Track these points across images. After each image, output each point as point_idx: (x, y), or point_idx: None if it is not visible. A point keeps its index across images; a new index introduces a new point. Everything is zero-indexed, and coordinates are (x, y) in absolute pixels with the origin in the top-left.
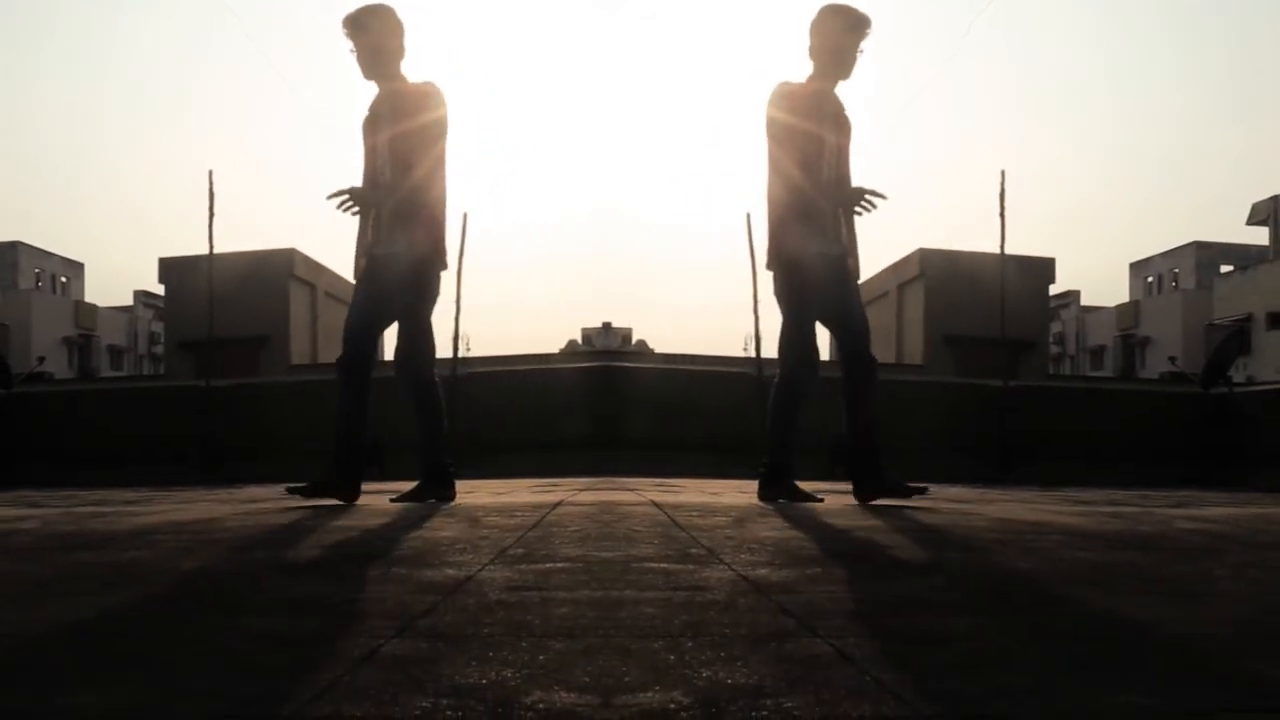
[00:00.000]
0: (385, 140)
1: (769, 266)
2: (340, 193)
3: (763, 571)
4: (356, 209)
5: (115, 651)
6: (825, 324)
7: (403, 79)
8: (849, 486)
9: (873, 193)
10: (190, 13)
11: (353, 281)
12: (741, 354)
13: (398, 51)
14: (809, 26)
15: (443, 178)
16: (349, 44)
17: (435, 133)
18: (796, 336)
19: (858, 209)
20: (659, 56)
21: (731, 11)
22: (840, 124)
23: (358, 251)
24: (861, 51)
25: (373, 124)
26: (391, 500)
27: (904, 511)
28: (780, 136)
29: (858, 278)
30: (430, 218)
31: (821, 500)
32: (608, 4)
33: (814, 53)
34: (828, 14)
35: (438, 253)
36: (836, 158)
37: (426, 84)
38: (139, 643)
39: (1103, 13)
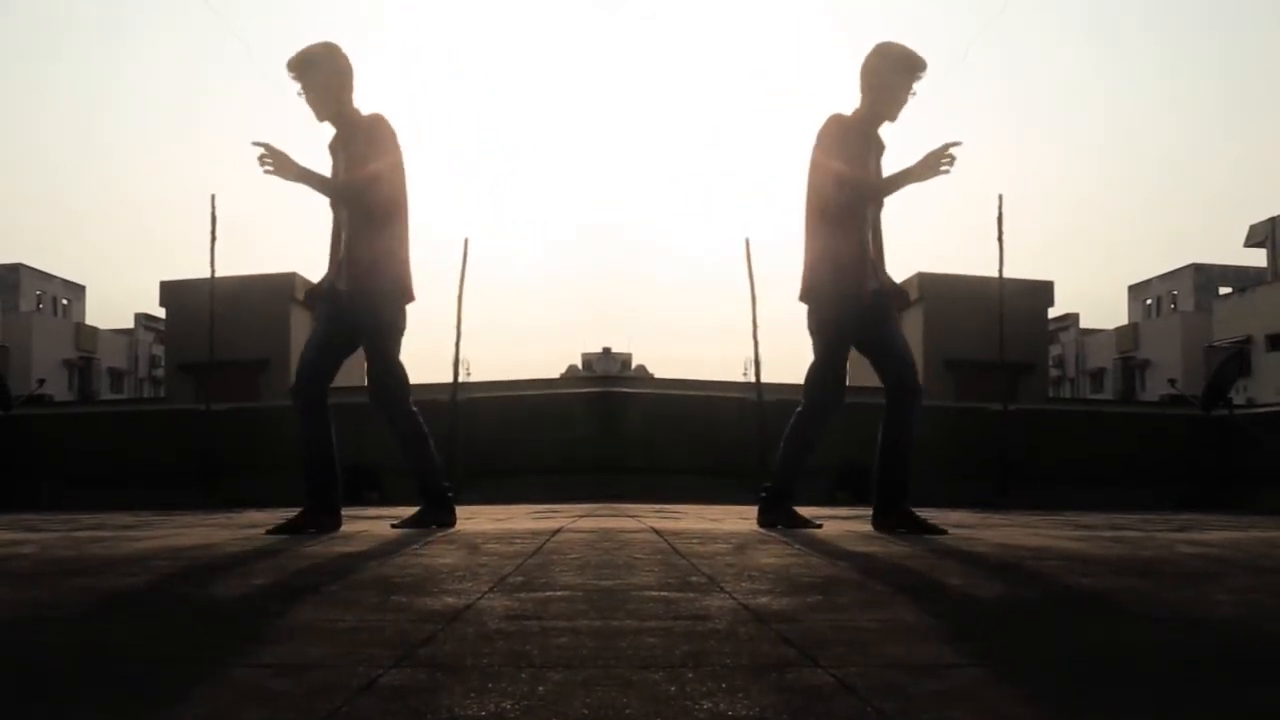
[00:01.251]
0: (336, 180)
1: (803, 299)
2: (266, 147)
3: (764, 600)
4: (273, 170)
5: (114, 677)
6: (869, 357)
7: (354, 114)
8: (849, 512)
9: (943, 150)
10: (194, 37)
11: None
12: (742, 379)
13: (347, 89)
14: (861, 63)
15: (402, 213)
16: (297, 87)
17: (390, 172)
18: (823, 372)
19: (942, 169)
20: (661, 61)
21: (733, 15)
22: (880, 165)
23: (323, 278)
24: (913, 94)
25: (331, 162)
26: (392, 526)
27: (905, 537)
28: (825, 173)
29: (905, 303)
30: (391, 255)
31: (820, 526)
32: (608, 4)
33: (864, 90)
34: (880, 52)
35: (401, 290)
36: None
37: (375, 118)
38: (138, 669)
39: (1098, 35)
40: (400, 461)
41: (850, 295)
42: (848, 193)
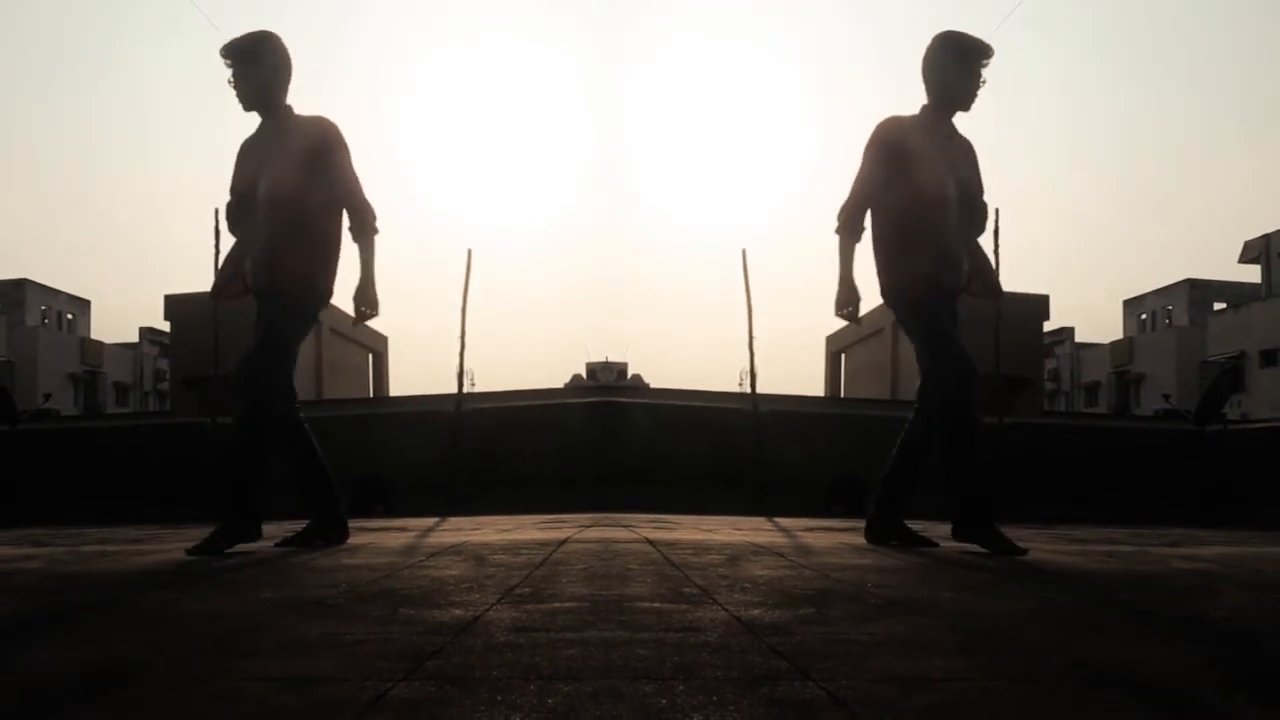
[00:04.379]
0: (272, 176)
1: (890, 302)
2: (366, 311)
3: (756, 612)
4: (371, 312)
5: (123, 695)
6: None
7: (289, 110)
8: (841, 524)
9: (852, 312)
10: (196, 50)
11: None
12: (737, 389)
13: (284, 82)
14: (922, 57)
15: (334, 212)
16: (229, 74)
17: (325, 168)
18: (945, 367)
19: (844, 314)
20: (665, 72)
21: (733, 29)
22: (956, 154)
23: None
24: (984, 81)
25: (253, 152)
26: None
27: (897, 550)
28: (888, 166)
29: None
30: (311, 248)
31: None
32: (614, 23)
33: (927, 85)
34: (939, 42)
35: (325, 292)
36: (956, 190)
37: (327, 122)
38: (147, 685)
39: (1095, 51)
40: (244, 469)
41: (930, 283)
42: (843, 216)
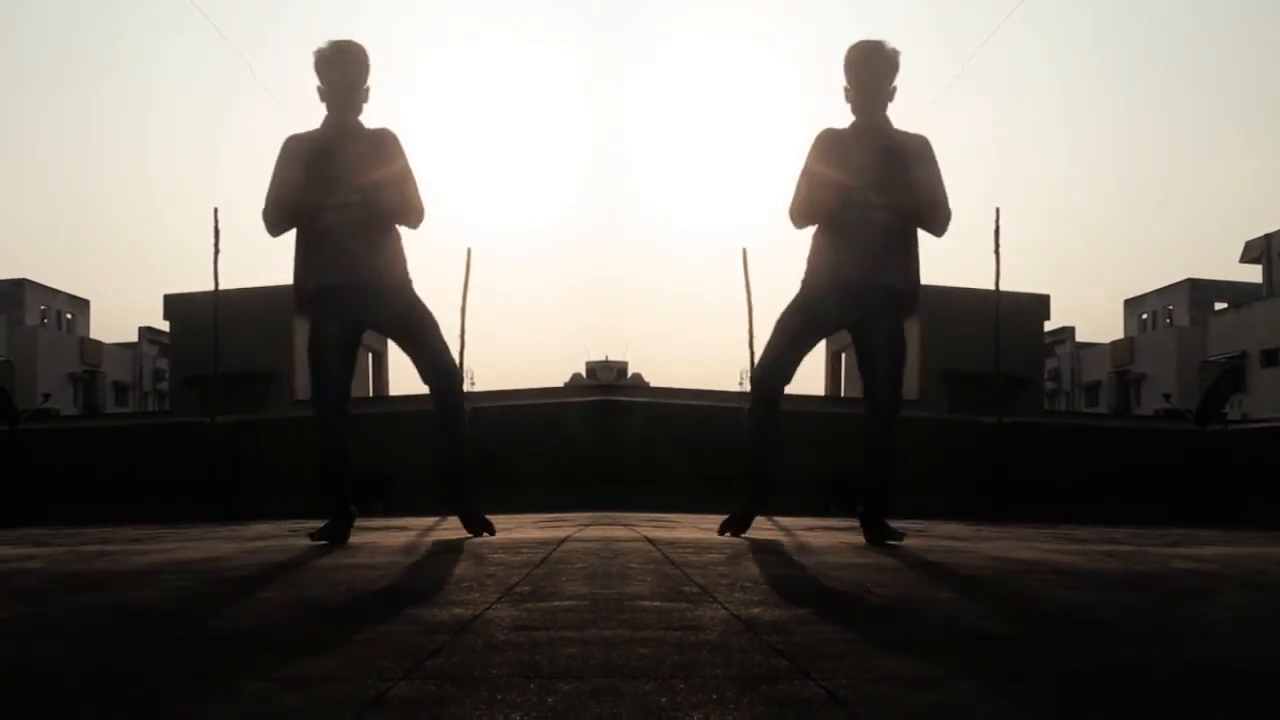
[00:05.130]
0: (361, 179)
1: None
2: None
3: (756, 611)
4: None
5: (124, 695)
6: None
7: (359, 121)
8: (841, 523)
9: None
10: (196, 50)
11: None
12: (737, 389)
13: (366, 92)
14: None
15: (399, 221)
16: (320, 78)
17: (403, 177)
18: (759, 363)
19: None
20: (664, 70)
21: (731, 29)
22: (889, 157)
23: (305, 282)
24: (894, 88)
25: (329, 155)
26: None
27: (898, 550)
28: (809, 177)
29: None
30: (401, 248)
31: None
32: (614, 23)
33: (846, 92)
34: (848, 52)
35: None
36: (881, 198)
37: (390, 133)
38: (148, 685)
39: (1096, 51)
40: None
41: (813, 284)
42: (793, 202)
